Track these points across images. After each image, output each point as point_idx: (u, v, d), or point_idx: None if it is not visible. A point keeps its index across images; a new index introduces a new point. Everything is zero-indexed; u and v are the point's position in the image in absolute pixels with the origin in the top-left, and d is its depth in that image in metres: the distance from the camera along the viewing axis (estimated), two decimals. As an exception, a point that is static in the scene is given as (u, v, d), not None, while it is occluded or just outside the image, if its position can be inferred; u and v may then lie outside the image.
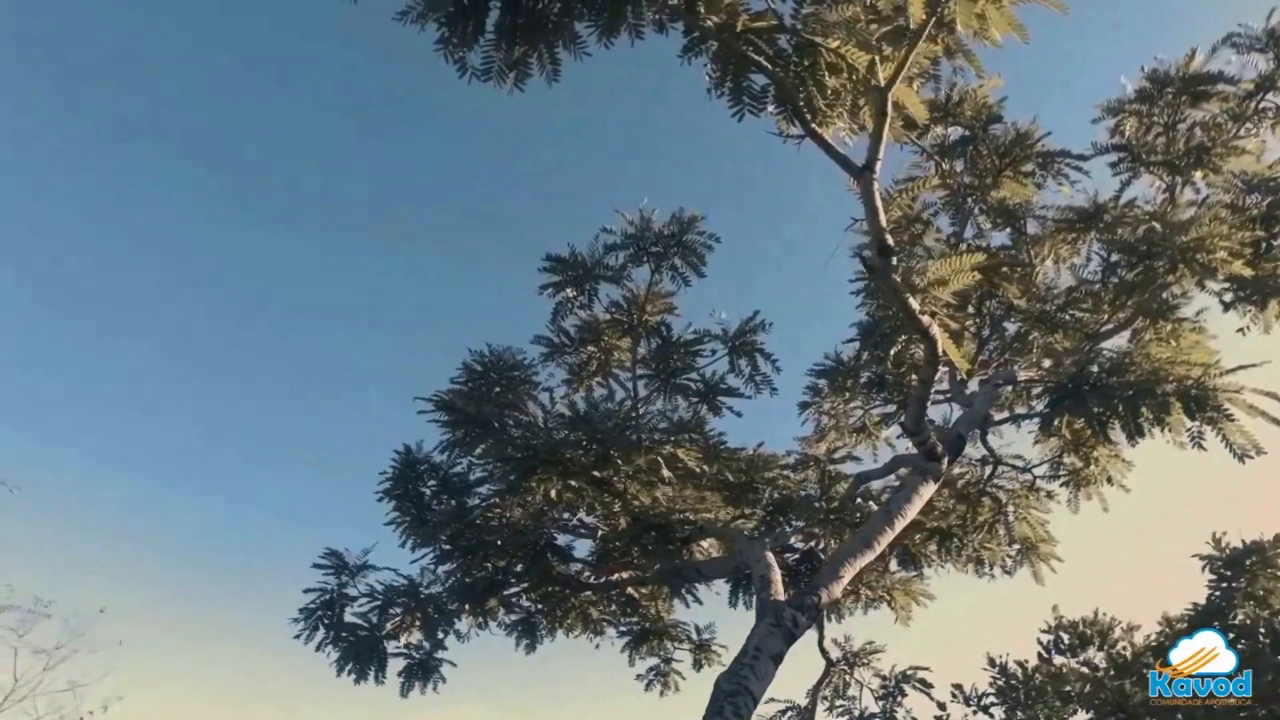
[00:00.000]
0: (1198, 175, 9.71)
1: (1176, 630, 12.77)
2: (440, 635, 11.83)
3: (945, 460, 8.41)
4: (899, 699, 11.14)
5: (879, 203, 6.63)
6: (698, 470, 10.22)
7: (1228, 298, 10.62)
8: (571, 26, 6.58)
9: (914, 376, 9.57)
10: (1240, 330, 10.20)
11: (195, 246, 36.12)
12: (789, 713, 11.06)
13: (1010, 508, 11.70)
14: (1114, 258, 9.88)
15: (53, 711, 19.57)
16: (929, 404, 7.86)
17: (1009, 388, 10.15)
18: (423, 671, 11.79)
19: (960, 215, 11.53)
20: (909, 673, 11.24)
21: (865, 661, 11.38)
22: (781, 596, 7.69)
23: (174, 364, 37.74)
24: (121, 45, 30.02)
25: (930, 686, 11.24)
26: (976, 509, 11.72)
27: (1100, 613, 13.83)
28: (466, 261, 40.16)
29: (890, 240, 6.79)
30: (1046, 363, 9.88)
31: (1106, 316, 9.88)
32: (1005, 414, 10.72)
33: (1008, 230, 12.01)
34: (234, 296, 37.91)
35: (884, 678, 11.30)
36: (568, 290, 11.61)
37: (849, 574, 7.65)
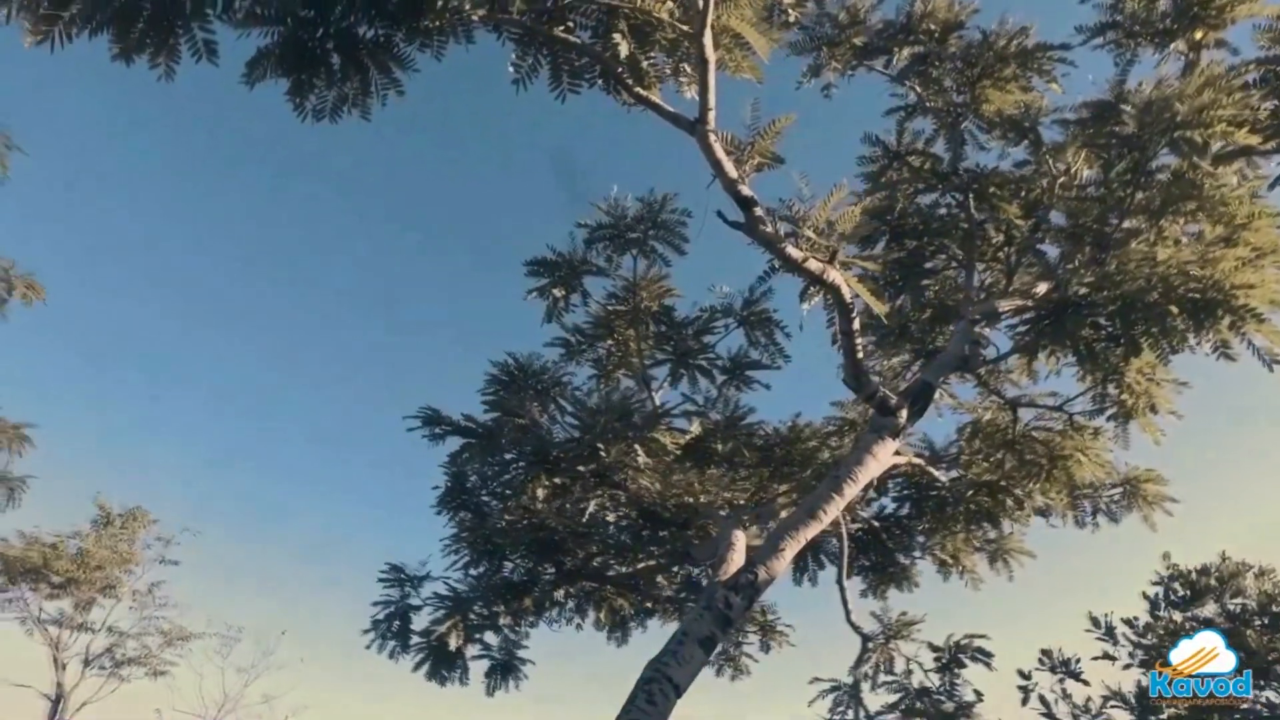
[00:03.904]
0: (1198, 35, 8.10)
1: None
2: (513, 635, 12.47)
3: (904, 414, 7.67)
4: (957, 671, 10.22)
5: (721, 155, 6.26)
6: (675, 452, 10.01)
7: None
8: (398, 49, 6.77)
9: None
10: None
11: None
12: (835, 692, 10.49)
13: (1067, 449, 10.37)
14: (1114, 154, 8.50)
15: (251, 720, 22.75)
16: (859, 353, 7.22)
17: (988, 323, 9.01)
18: (504, 671, 12.41)
19: (954, 138, 10.41)
20: (964, 642, 10.28)
21: (906, 634, 10.55)
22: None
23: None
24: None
25: (990, 656, 10.21)
26: (1024, 456, 10.52)
27: (1226, 557, 11.92)
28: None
29: (747, 191, 6.38)
30: (1041, 288, 8.68)
31: (1116, 224, 8.53)
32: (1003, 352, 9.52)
33: (1023, 144, 10.71)
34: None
35: (938, 649, 10.41)
36: (555, 291, 11.76)
37: (791, 549, 7.21)
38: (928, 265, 11.59)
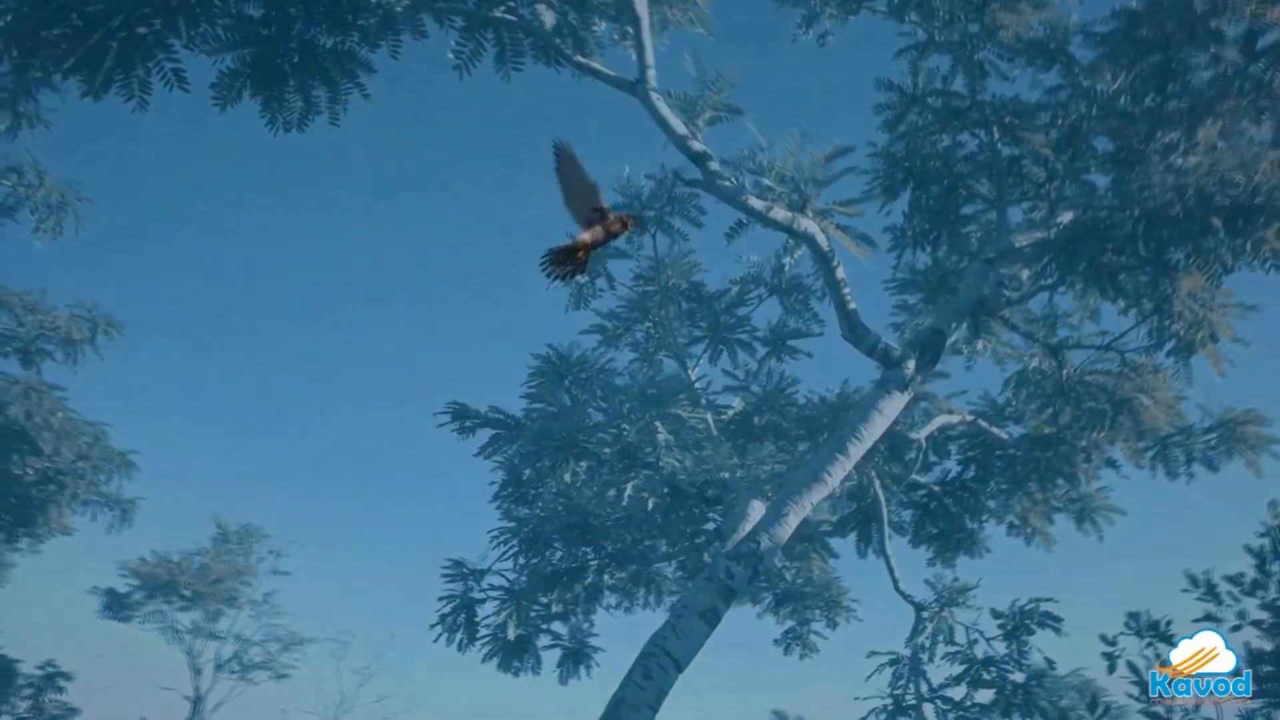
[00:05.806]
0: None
1: None
2: (586, 621, 12.59)
3: (912, 365, 7.21)
4: (1025, 639, 9.52)
5: (666, 112, 6.11)
6: (699, 428, 9.82)
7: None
8: (357, 53, 6.96)
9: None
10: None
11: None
12: (895, 666, 9.99)
13: (1128, 392, 9.47)
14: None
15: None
16: (850, 304, 6.84)
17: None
18: (575, 659, 12.57)
19: (970, 71, 9.70)
20: (1030, 607, 9.56)
21: (961, 601, 9.91)
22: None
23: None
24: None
25: (1059, 620, 9.46)
26: (1082, 404, 9.68)
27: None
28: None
29: (699, 146, 6.19)
30: (1067, 217, 7.92)
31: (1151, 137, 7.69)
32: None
33: (1055, 68, 9.88)
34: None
35: (1001, 615, 9.73)
36: (577, 277, 11.77)
37: (796, 514, 6.94)
38: (964, 211, 10.88)
